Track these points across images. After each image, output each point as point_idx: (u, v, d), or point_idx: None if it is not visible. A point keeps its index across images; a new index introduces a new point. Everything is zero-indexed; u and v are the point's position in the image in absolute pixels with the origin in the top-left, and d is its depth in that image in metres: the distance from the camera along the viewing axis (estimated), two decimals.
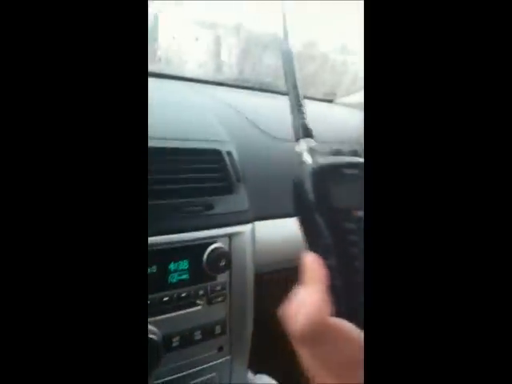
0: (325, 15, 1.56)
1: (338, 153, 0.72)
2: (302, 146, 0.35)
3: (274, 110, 0.85)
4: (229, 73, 1.61)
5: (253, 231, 0.63)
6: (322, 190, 0.32)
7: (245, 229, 0.62)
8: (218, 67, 1.61)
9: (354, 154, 0.81)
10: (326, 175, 0.33)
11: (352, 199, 0.33)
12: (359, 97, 1.07)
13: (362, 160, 0.34)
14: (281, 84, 1.38)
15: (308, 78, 1.49)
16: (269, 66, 1.68)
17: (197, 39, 1.55)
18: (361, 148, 0.82)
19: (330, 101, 1.14)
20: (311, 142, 0.35)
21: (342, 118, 0.98)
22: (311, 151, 0.35)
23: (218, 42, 1.65)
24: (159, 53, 1.61)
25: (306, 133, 0.36)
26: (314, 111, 0.98)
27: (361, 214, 0.32)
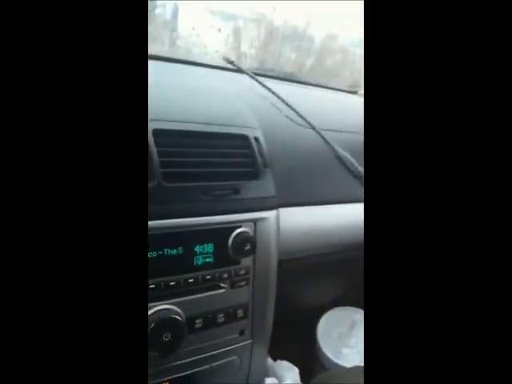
0: (344, 8, 1.55)
1: None
2: None
3: (298, 99, 0.85)
4: (250, 64, 1.61)
5: (277, 217, 0.64)
6: None
7: (270, 215, 0.62)
8: (239, 58, 1.61)
9: None
10: None
11: None
12: None
13: None
14: (302, 75, 1.37)
15: (330, 70, 1.49)
16: (289, 58, 1.68)
17: (219, 30, 1.55)
18: None
19: (355, 92, 1.14)
20: None
21: None
22: None
23: (238, 34, 1.65)
24: (178, 42, 1.62)
25: None
26: (339, 102, 0.97)
27: None
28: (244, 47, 1.64)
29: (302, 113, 0.75)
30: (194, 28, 1.53)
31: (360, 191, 0.75)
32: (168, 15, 1.66)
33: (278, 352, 0.75)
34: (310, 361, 0.93)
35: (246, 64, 1.57)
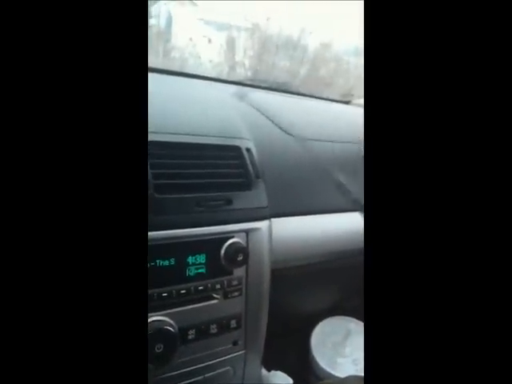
0: (338, 17, 1.56)
1: None
2: None
3: (291, 109, 0.85)
4: (243, 74, 1.62)
5: (270, 227, 0.64)
6: None
7: (262, 225, 0.63)
8: (233, 68, 1.62)
9: None
10: None
11: None
12: None
13: None
14: (294, 85, 1.38)
15: (324, 79, 1.50)
16: (283, 67, 1.69)
17: (210, 41, 1.56)
18: None
19: (348, 102, 1.15)
20: None
21: (360, 118, 0.98)
22: None
23: (232, 44, 1.66)
24: (173, 54, 1.63)
25: None
26: (332, 112, 0.98)
27: None
28: (238, 57, 1.65)
29: (294, 123, 0.75)
30: (191, 39, 1.54)
31: (350, 201, 0.76)
32: (162, 25, 1.67)
33: (272, 362, 0.75)
34: (305, 371, 0.92)
35: (240, 74, 1.58)
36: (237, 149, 0.63)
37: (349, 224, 0.75)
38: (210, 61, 1.55)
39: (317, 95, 1.14)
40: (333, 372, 0.86)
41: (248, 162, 0.63)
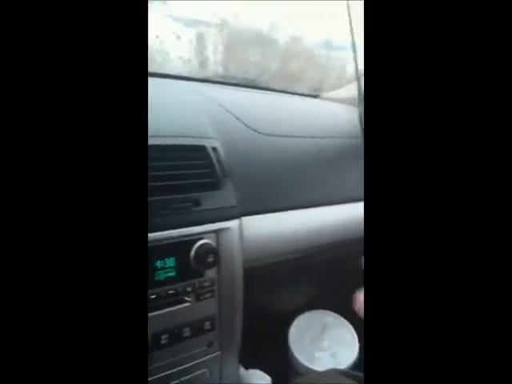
0: (309, 10, 1.56)
1: None
2: None
3: (258, 106, 0.85)
4: (213, 70, 1.60)
5: (240, 227, 0.63)
6: None
7: (232, 224, 0.62)
8: (203, 65, 1.60)
9: None
10: None
11: None
12: (345, 92, 1.07)
13: None
14: (265, 80, 1.38)
15: (294, 73, 1.49)
16: (253, 62, 1.68)
17: (178, 37, 1.53)
18: (346, 142, 0.82)
19: (316, 96, 1.15)
20: None
21: (329, 112, 0.98)
22: None
23: (201, 40, 1.64)
24: None
25: None
26: (300, 106, 0.98)
27: None
28: (208, 53, 1.63)
29: (261, 120, 0.75)
30: (157, 36, 1.51)
31: (321, 195, 0.76)
32: None
33: (251, 360, 0.75)
34: (285, 367, 0.93)
35: (210, 70, 1.56)
36: (203, 148, 0.62)
37: (320, 218, 0.75)
38: (180, 57, 1.53)
39: (287, 90, 1.13)
40: (312, 366, 0.86)
41: (215, 161, 0.62)
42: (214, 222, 0.60)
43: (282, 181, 0.72)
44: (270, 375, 0.73)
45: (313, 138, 0.79)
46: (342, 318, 0.99)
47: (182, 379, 0.62)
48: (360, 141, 0.75)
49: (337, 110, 1.01)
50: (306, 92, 1.16)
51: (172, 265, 0.56)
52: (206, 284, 0.60)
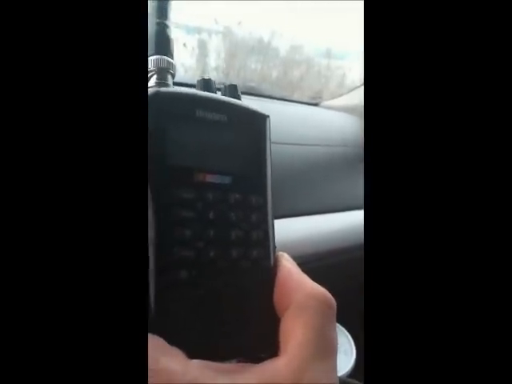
0: (310, 19, 1.57)
1: None
2: None
3: None
4: (215, 77, 1.60)
5: None
6: None
7: None
8: (204, 71, 1.61)
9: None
10: None
11: None
12: (344, 100, 1.08)
13: None
14: (265, 88, 1.39)
15: (294, 81, 1.51)
16: (254, 70, 1.69)
17: (184, 45, 1.55)
18: (345, 150, 0.83)
19: (316, 104, 1.15)
20: None
21: (328, 121, 0.99)
22: None
23: (203, 47, 1.65)
24: None
25: None
26: (300, 114, 0.99)
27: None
28: (209, 60, 1.64)
29: None
30: None
31: (318, 203, 0.76)
32: None
33: None
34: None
35: (211, 77, 1.56)
36: None
37: (316, 226, 0.76)
38: (182, 64, 1.54)
39: (287, 98, 1.14)
40: None
41: None
42: None
43: (278, 188, 0.72)
44: None
45: (312, 145, 0.80)
46: (340, 326, 0.99)
47: None
48: (359, 149, 0.76)
49: (336, 118, 1.01)
50: (305, 100, 1.17)
51: None
52: None
